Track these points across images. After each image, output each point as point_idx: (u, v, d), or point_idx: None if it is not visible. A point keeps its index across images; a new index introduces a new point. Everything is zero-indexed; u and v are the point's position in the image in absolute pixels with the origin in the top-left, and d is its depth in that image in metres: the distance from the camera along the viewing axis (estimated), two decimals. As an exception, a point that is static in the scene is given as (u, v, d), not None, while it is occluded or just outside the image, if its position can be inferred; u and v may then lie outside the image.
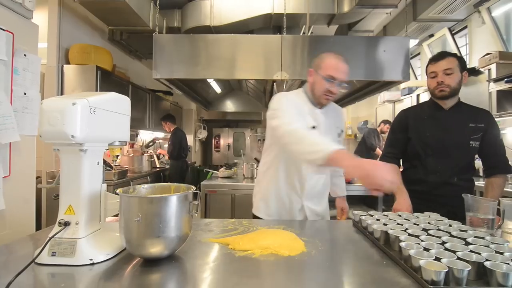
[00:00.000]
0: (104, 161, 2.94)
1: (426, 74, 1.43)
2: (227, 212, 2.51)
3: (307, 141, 1.07)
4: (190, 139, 6.14)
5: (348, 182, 2.69)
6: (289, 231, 1.12)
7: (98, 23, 3.34)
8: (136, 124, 3.97)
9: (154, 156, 4.05)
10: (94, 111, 0.87)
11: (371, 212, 1.22)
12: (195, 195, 0.97)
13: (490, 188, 1.37)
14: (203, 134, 6.15)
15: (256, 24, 3.25)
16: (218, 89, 4.12)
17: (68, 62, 2.90)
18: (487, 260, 0.73)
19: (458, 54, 3.58)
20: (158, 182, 3.98)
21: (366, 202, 2.84)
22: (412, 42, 3.55)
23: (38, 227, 2.30)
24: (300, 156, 1.12)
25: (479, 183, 2.36)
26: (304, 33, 4.06)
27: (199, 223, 1.25)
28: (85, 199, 0.88)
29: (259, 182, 1.53)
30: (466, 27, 3.58)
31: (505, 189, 2.29)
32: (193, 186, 0.94)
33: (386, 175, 0.85)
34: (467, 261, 0.73)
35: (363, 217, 1.15)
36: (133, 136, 4.21)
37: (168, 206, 0.81)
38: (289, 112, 1.25)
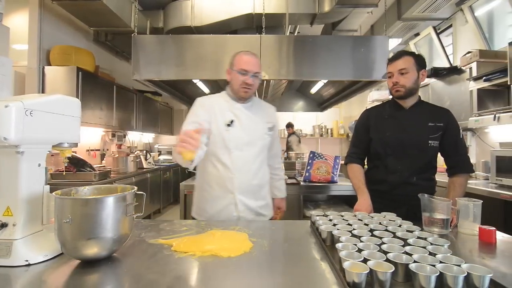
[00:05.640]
0: (85, 162, 2.92)
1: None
2: (206, 212, 2.50)
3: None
4: (181, 140, 6.13)
5: (332, 182, 2.69)
6: (244, 231, 1.12)
7: (82, 25, 3.34)
8: (123, 125, 3.98)
9: (141, 156, 4.04)
10: (31, 113, 0.86)
11: (328, 213, 1.22)
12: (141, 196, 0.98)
13: (452, 187, 1.36)
14: (194, 134, 6.14)
15: (239, 24, 3.24)
16: (206, 90, 4.11)
17: (49, 64, 2.90)
18: (415, 261, 0.73)
19: (444, 53, 3.59)
20: (143, 183, 3.99)
21: (348, 202, 2.82)
22: (396, 41, 3.54)
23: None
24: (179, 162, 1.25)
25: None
26: (291, 32, 4.06)
27: (156, 223, 1.24)
28: (24, 201, 0.88)
29: (196, 184, 1.53)
30: (451, 25, 3.57)
31: (470, 186, 2.28)
32: (135, 187, 0.94)
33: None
34: (395, 263, 0.72)
35: (317, 218, 1.14)
36: (121, 137, 4.21)
37: (99, 207, 0.80)
38: (184, 128, 1.36)
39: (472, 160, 2.83)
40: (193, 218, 1.50)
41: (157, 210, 4.67)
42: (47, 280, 0.77)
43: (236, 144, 1.40)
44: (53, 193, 0.85)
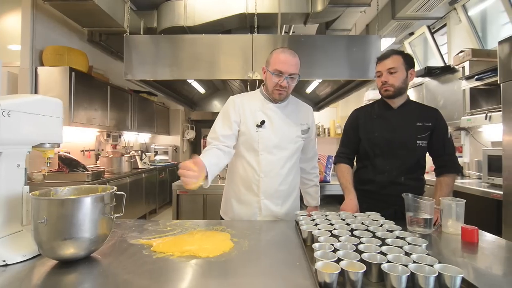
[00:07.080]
0: (78, 163, 2.91)
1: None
2: (199, 213, 2.50)
3: None
4: (177, 140, 6.15)
5: (324, 181, 2.69)
6: (227, 231, 1.12)
7: (76, 25, 3.34)
8: (118, 125, 3.98)
9: (136, 157, 4.04)
10: (8, 114, 0.86)
11: (312, 212, 1.22)
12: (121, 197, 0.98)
13: (439, 187, 1.35)
14: (190, 134, 6.15)
15: (232, 24, 3.24)
16: (201, 90, 4.10)
17: (42, 64, 2.90)
18: (388, 261, 0.73)
19: (438, 52, 3.58)
20: (138, 183, 3.99)
21: (341, 202, 2.82)
22: (389, 41, 3.53)
23: None
24: None
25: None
26: (286, 32, 4.06)
27: (140, 223, 1.24)
28: (2, 202, 0.88)
29: (226, 183, 1.54)
30: (446, 25, 3.56)
31: (462, 185, 2.28)
32: (114, 187, 0.94)
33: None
34: (369, 263, 0.72)
35: (300, 218, 1.14)
36: (116, 137, 4.21)
37: (75, 208, 0.80)
38: (216, 127, 1.39)
39: (466, 160, 2.85)
40: (221, 217, 1.50)
41: (152, 210, 4.67)
42: (24, 280, 0.77)
43: (265, 146, 1.35)
44: (30, 194, 0.85)
